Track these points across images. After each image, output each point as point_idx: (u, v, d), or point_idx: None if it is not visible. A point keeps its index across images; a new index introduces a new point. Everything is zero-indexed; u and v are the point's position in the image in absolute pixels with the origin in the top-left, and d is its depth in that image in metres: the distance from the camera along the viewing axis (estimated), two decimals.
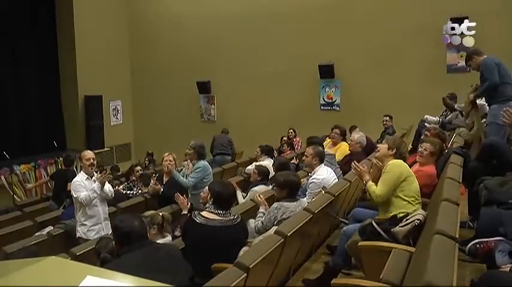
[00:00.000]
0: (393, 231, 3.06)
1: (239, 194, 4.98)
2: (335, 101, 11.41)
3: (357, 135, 6.11)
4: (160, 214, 3.56)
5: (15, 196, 10.36)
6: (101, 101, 12.96)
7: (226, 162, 8.89)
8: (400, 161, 3.68)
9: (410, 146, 6.73)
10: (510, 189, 3.25)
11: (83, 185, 4.75)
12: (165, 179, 5.67)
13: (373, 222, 3.16)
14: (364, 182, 3.76)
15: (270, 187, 4.76)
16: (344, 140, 6.69)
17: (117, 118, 13.94)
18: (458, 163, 4.06)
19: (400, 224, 3.10)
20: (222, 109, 12.97)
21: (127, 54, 14.15)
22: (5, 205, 9.37)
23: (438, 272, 1.87)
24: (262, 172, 5.32)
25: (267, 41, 11.83)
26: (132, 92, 14.41)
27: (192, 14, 12.92)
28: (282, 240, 2.94)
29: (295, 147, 9.62)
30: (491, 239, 2.69)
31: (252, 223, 3.89)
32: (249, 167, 6.53)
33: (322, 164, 4.90)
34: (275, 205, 3.80)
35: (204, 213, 3.36)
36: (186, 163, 6.26)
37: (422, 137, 5.78)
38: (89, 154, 4.96)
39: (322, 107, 11.55)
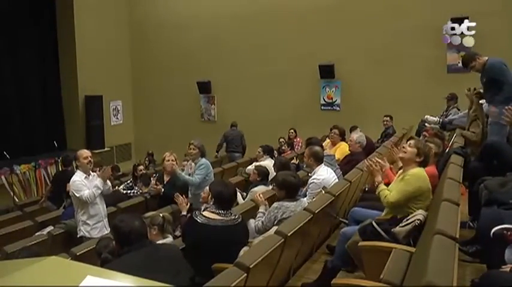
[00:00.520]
0: (393, 231, 3.05)
1: (239, 195, 4.97)
2: (335, 101, 11.41)
3: (357, 136, 6.10)
4: (161, 214, 3.53)
5: (14, 196, 10.35)
6: (102, 101, 12.97)
7: (235, 159, 9.38)
8: (423, 174, 3.51)
9: None
10: (510, 189, 3.24)
11: (83, 184, 4.75)
12: (165, 179, 5.66)
13: (373, 222, 3.15)
14: (376, 183, 3.71)
15: (270, 187, 4.76)
16: (343, 140, 6.69)
17: (117, 118, 13.94)
18: (459, 163, 4.06)
19: (400, 225, 3.10)
20: (222, 109, 12.98)
21: (127, 54, 14.16)
22: (5, 204, 9.38)
23: (438, 272, 1.87)
24: (262, 172, 5.31)
25: (267, 41, 11.83)
26: (132, 92, 14.42)
27: (192, 14, 12.91)
28: (282, 240, 2.94)
29: (296, 147, 9.62)
30: None
31: (252, 223, 3.89)
32: (249, 167, 6.53)
33: (322, 164, 4.90)
34: (275, 204, 3.80)
35: (205, 213, 3.35)
36: (187, 162, 6.26)
37: (421, 137, 5.79)
38: (85, 152, 4.97)
39: (322, 107, 11.56)
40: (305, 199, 4.35)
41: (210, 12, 12.64)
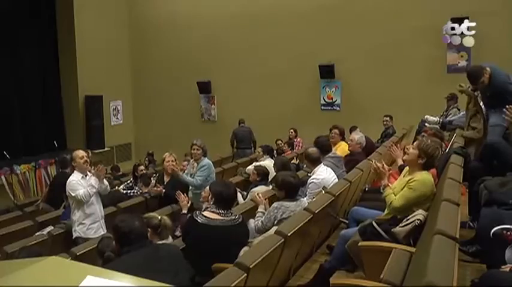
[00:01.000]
0: (393, 231, 3.05)
1: (239, 195, 4.97)
2: (335, 101, 11.41)
3: (357, 136, 6.10)
4: (159, 217, 3.42)
5: (13, 197, 10.34)
6: (102, 101, 12.97)
7: (247, 155, 9.63)
8: (428, 180, 3.45)
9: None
10: (510, 189, 3.24)
11: (79, 184, 4.75)
12: (166, 179, 5.66)
13: (374, 222, 3.15)
14: (382, 186, 3.68)
15: (270, 187, 4.76)
16: (343, 140, 6.69)
17: (117, 118, 13.94)
18: (459, 163, 4.05)
19: (400, 225, 3.10)
20: (223, 109, 12.98)
21: (127, 54, 14.16)
22: (6, 204, 9.38)
23: (439, 273, 1.87)
24: (261, 172, 5.31)
25: (267, 41, 11.83)
26: (132, 92, 14.42)
27: (192, 14, 12.92)
28: (282, 240, 2.94)
29: (296, 147, 9.62)
30: None
31: (252, 223, 3.89)
32: (249, 167, 6.53)
33: (322, 164, 4.91)
34: (275, 204, 3.80)
35: (205, 213, 3.35)
36: (188, 162, 6.25)
37: (422, 137, 5.78)
38: (81, 152, 4.96)
39: (322, 107, 11.56)
40: (305, 199, 4.35)
41: (210, 12, 12.64)
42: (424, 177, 3.45)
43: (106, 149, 13.06)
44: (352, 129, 8.05)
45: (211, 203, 3.45)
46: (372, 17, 10.56)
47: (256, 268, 2.52)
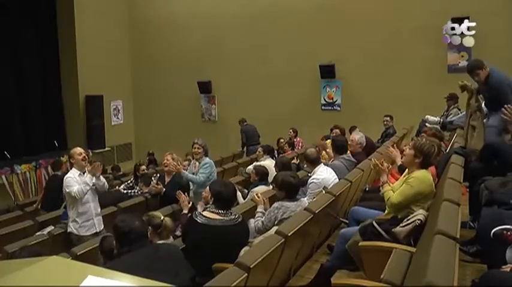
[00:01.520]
0: (394, 231, 3.05)
1: (239, 195, 4.97)
2: (336, 101, 11.41)
3: (358, 136, 6.12)
4: (162, 217, 3.42)
5: (13, 197, 10.34)
6: (102, 101, 12.98)
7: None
8: (427, 177, 3.48)
9: None
10: (511, 189, 3.24)
11: (75, 180, 4.73)
12: (167, 179, 5.66)
13: (374, 222, 3.15)
14: (381, 183, 3.70)
15: (271, 187, 4.76)
16: None
17: (118, 118, 13.95)
18: (459, 163, 4.05)
19: (401, 225, 3.10)
20: (223, 109, 12.99)
21: (128, 54, 14.16)
22: (6, 204, 9.38)
23: (439, 273, 1.87)
24: (261, 172, 5.32)
25: (267, 41, 11.84)
26: (133, 92, 14.42)
27: (192, 14, 12.92)
28: (283, 240, 2.94)
29: (296, 147, 9.61)
30: None
31: (252, 223, 3.89)
32: (250, 167, 6.53)
33: (322, 164, 4.93)
34: (275, 204, 3.80)
35: (205, 213, 3.35)
36: (189, 162, 6.25)
37: (420, 137, 5.77)
38: (79, 149, 4.96)
39: (323, 107, 11.56)
40: (305, 198, 4.35)
41: (211, 12, 12.65)
42: (423, 174, 3.48)
43: (106, 149, 13.07)
44: (352, 129, 8.05)
45: (211, 203, 3.45)
46: (372, 17, 10.56)
47: (257, 268, 2.52)
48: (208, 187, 3.76)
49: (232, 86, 12.61)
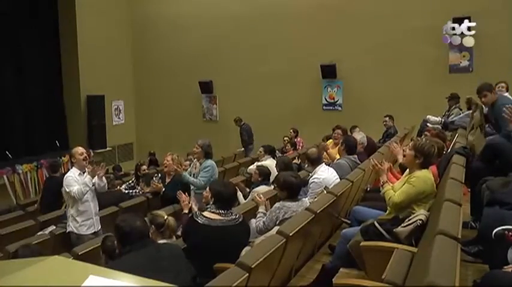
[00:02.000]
0: (395, 231, 3.05)
1: (240, 195, 4.97)
2: (337, 101, 11.41)
3: (359, 136, 6.13)
4: (165, 217, 3.41)
5: (14, 197, 10.35)
6: (103, 101, 12.98)
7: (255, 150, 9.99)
8: (428, 177, 3.46)
9: None
10: None
11: (75, 180, 4.74)
12: (167, 179, 5.66)
13: (375, 222, 3.15)
14: (381, 183, 3.69)
15: (272, 187, 4.76)
16: None
17: (119, 118, 13.95)
18: (461, 163, 4.05)
19: (402, 225, 3.10)
20: (224, 109, 12.98)
21: (129, 54, 14.17)
22: (7, 204, 9.39)
23: (440, 273, 1.87)
24: (263, 172, 5.31)
25: (269, 41, 11.84)
26: (134, 92, 14.43)
27: (194, 14, 12.92)
28: (284, 240, 2.93)
29: (297, 147, 9.59)
30: None
31: (253, 223, 3.89)
32: (251, 167, 6.53)
33: (323, 164, 4.93)
34: (277, 204, 3.80)
35: (205, 213, 3.35)
36: (190, 162, 6.24)
37: (422, 137, 5.77)
38: (80, 149, 4.97)
39: (324, 107, 11.56)
40: (307, 198, 4.35)
41: (212, 12, 12.65)
42: (425, 174, 3.47)
43: (108, 148, 13.07)
44: (352, 129, 8.05)
45: (212, 203, 3.45)
46: (373, 17, 10.55)
47: (258, 268, 2.52)
48: (208, 187, 3.76)
49: (233, 86, 12.60)
